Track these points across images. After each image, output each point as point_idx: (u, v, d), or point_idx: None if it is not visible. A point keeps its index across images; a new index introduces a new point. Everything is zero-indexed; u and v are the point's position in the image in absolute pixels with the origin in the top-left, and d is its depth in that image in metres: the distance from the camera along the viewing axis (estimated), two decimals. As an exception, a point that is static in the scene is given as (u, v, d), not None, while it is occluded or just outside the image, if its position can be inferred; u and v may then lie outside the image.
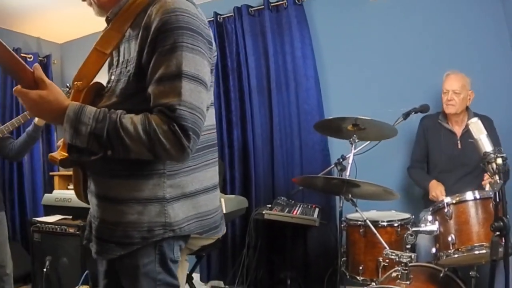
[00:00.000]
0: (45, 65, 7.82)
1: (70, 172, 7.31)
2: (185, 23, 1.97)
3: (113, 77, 2.29)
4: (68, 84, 4.77)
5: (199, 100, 1.96)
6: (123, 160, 2.05)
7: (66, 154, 2.24)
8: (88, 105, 2.00)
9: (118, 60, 2.28)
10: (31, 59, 7.40)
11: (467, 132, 4.33)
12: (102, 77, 2.30)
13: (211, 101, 2.31)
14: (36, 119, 4.57)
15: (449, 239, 3.42)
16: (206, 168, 2.30)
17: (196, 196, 2.22)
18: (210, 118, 2.28)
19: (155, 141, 1.86)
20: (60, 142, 2.36)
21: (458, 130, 4.55)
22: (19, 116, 4.62)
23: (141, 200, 2.10)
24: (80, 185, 2.40)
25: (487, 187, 3.85)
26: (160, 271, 2.18)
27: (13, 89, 1.99)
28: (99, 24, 6.80)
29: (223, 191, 5.85)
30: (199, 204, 2.23)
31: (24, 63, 1.93)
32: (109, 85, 2.25)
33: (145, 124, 1.87)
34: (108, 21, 2.33)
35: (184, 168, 2.17)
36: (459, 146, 4.52)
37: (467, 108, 4.57)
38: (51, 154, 2.37)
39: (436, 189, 4.51)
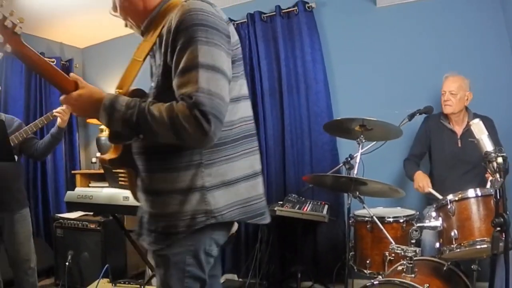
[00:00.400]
0: (67, 69, 7.80)
1: (90, 171, 7.36)
2: (199, 20, 2.04)
3: (152, 84, 2.38)
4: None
5: (218, 87, 1.99)
6: (162, 154, 2.20)
7: (116, 155, 2.36)
8: (122, 96, 2.12)
9: (155, 67, 2.36)
10: (54, 63, 7.30)
11: (467, 132, 4.44)
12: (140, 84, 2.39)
13: (246, 94, 2.40)
14: (59, 120, 4.60)
15: (452, 234, 3.41)
16: (245, 157, 2.31)
17: (237, 183, 2.24)
18: (246, 110, 2.37)
19: (179, 126, 1.91)
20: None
21: (458, 129, 4.58)
22: (42, 117, 4.64)
23: (182, 190, 2.16)
24: (134, 185, 2.50)
25: (489, 183, 3.86)
26: (191, 263, 2.21)
27: (60, 99, 2.14)
28: (118, 30, 6.88)
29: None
30: (240, 192, 2.25)
31: (63, 73, 2.09)
32: (150, 91, 2.34)
33: (169, 111, 1.94)
34: (142, 34, 2.45)
35: (221, 158, 2.21)
36: (459, 145, 4.54)
37: (466, 109, 4.57)
38: (101, 156, 2.65)
39: (423, 181, 4.58)
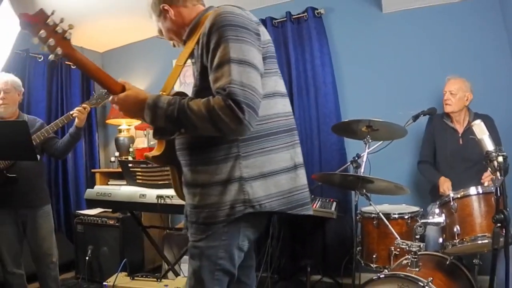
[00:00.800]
0: None
1: (109, 169, 7.39)
2: (229, 21, 2.15)
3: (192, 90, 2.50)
4: None
5: (250, 79, 2.06)
6: (201, 149, 2.32)
7: (159, 153, 2.49)
8: (164, 95, 2.27)
9: (195, 72, 2.47)
10: (75, 67, 7.42)
11: (468, 130, 4.46)
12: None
13: (281, 91, 2.46)
14: (77, 120, 4.62)
15: (455, 230, 3.48)
16: (283, 150, 2.35)
17: (276, 175, 2.28)
18: (284, 106, 2.44)
19: (216, 117, 2.00)
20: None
21: (460, 128, 4.60)
22: (62, 117, 4.64)
23: (222, 181, 2.24)
24: (177, 182, 2.64)
25: (486, 184, 3.87)
26: (223, 257, 2.29)
27: (109, 100, 2.38)
28: (136, 35, 6.90)
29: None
30: (281, 183, 2.28)
31: (110, 76, 2.25)
32: (194, 88, 2.45)
33: (206, 104, 2.04)
34: (184, 43, 2.63)
35: (257, 150, 2.27)
36: (461, 142, 4.56)
37: (468, 109, 4.58)
38: (146, 153, 2.62)
39: (444, 185, 4.51)
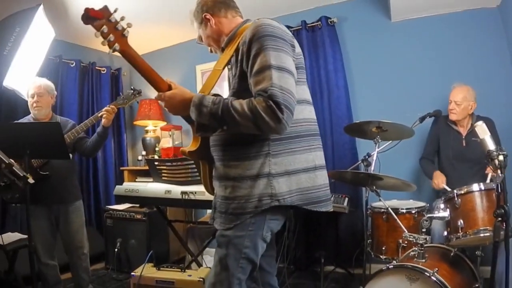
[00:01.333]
0: (116, 77, 7.99)
1: (137, 167, 7.44)
2: (268, 32, 2.24)
3: (230, 88, 2.62)
4: (132, 87, 4.84)
5: (287, 84, 2.14)
6: (236, 146, 2.40)
7: (194, 148, 2.59)
8: (208, 95, 2.32)
9: (232, 77, 2.57)
10: (105, 72, 7.64)
11: (471, 132, 4.48)
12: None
13: (308, 99, 2.54)
14: (104, 120, 4.60)
15: (458, 224, 3.50)
16: (307, 152, 2.41)
17: (298, 174, 2.34)
18: (310, 113, 2.52)
19: (257, 115, 2.08)
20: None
21: (463, 130, 4.61)
22: (91, 117, 4.67)
23: (252, 176, 2.32)
24: (207, 177, 2.73)
25: (489, 177, 3.90)
26: (248, 246, 2.35)
27: (155, 97, 2.43)
28: (162, 42, 6.92)
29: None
30: (301, 181, 2.34)
31: (159, 75, 2.32)
32: (232, 90, 2.53)
33: (249, 104, 2.12)
34: (222, 50, 2.71)
35: (286, 150, 2.34)
36: (464, 144, 4.57)
37: (471, 114, 4.59)
38: (182, 148, 2.79)
39: (438, 179, 4.62)
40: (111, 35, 2.07)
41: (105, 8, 2.07)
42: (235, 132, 2.33)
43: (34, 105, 4.57)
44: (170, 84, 2.34)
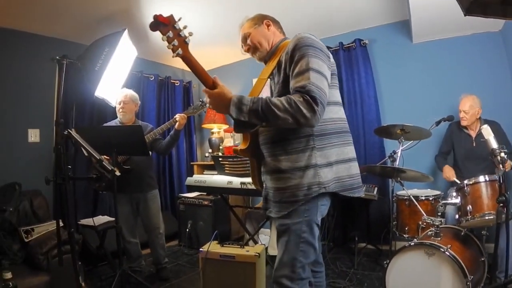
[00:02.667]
0: (188, 88, 8.16)
1: (204, 162, 7.71)
2: (309, 43, 2.23)
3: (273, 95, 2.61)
4: (200, 99, 4.92)
5: (322, 84, 2.12)
6: (284, 142, 2.34)
7: (245, 147, 2.53)
8: (247, 96, 2.24)
9: (274, 85, 2.57)
10: (178, 84, 7.83)
11: (479, 135, 4.47)
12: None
13: (340, 102, 2.48)
14: (177, 124, 4.66)
15: (468, 208, 3.62)
16: (343, 146, 2.38)
17: (336, 164, 2.30)
18: (342, 113, 2.47)
19: (295, 108, 2.05)
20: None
21: (473, 133, 4.62)
22: (166, 123, 4.71)
23: (301, 168, 2.27)
24: (255, 173, 2.69)
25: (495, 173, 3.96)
26: (306, 231, 2.29)
27: (202, 90, 2.32)
28: (222, 59, 6.95)
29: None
30: (338, 171, 2.30)
31: (207, 73, 2.23)
32: (277, 94, 2.47)
33: (287, 99, 2.09)
34: (265, 62, 2.69)
35: (328, 144, 2.31)
36: (474, 144, 4.58)
37: (479, 119, 4.61)
38: (234, 148, 2.78)
39: (448, 172, 4.69)
40: (175, 40, 2.06)
41: (171, 16, 2.07)
42: (275, 127, 2.35)
43: (121, 110, 4.76)
44: (213, 80, 2.25)
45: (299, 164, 2.28)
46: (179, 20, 2.09)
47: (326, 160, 2.29)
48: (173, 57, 2.12)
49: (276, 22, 2.76)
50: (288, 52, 2.30)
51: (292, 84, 2.20)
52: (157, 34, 2.05)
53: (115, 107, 4.86)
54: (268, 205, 2.53)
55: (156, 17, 2.02)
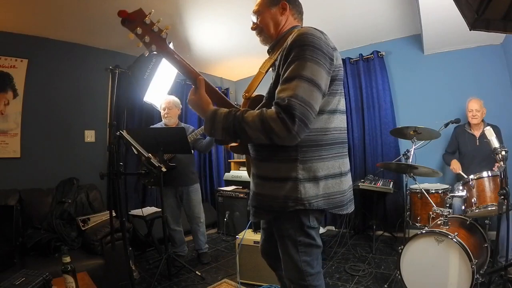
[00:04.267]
0: (225, 94, 7.94)
1: (240, 160, 7.70)
2: (308, 41, 1.78)
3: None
4: (235, 103, 4.93)
5: (311, 97, 1.70)
6: (268, 148, 1.96)
7: (236, 145, 2.23)
8: (222, 108, 1.90)
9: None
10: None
11: (482, 135, 4.47)
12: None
13: (342, 109, 2.04)
14: None
15: (473, 200, 3.65)
16: (335, 159, 1.98)
17: (325, 179, 1.91)
18: (341, 122, 2.04)
19: (267, 128, 1.70)
20: None
21: (477, 133, 4.62)
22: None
23: (280, 179, 1.91)
24: (249, 168, 2.42)
25: (496, 169, 3.93)
26: (300, 234, 1.97)
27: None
28: (251, 71, 6.87)
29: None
30: (328, 186, 1.92)
31: (194, 70, 1.97)
32: (267, 94, 2.08)
33: (261, 116, 1.72)
34: (268, 52, 2.23)
35: (315, 156, 1.91)
36: (477, 144, 4.58)
37: (482, 120, 4.61)
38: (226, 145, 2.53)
39: (455, 165, 4.73)
40: (146, 37, 1.83)
41: (140, 10, 1.82)
42: (250, 143, 2.09)
43: (165, 115, 4.81)
44: (197, 77, 1.97)
45: (279, 174, 1.93)
46: (150, 13, 1.86)
47: (312, 174, 1.90)
48: (146, 55, 1.91)
49: (295, 6, 2.23)
50: (286, 48, 1.86)
51: (277, 90, 1.78)
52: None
53: (161, 112, 4.89)
54: (250, 207, 2.19)
55: (119, 13, 1.77)
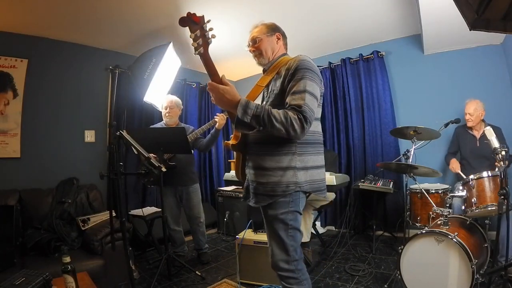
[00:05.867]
0: None
1: (242, 160, 7.58)
2: (309, 67, 2.31)
3: (264, 102, 2.60)
4: None
5: (313, 106, 2.22)
6: (271, 145, 2.37)
7: (235, 143, 2.57)
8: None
9: (268, 92, 2.58)
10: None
11: (483, 136, 4.49)
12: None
13: (319, 117, 2.53)
14: (217, 124, 4.73)
15: (473, 200, 3.62)
16: (317, 155, 2.48)
17: (311, 169, 2.40)
18: (320, 127, 2.56)
19: (289, 123, 2.13)
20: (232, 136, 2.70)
21: (477, 134, 4.65)
22: (206, 124, 4.76)
23: (282, 168, 2.34)
24: (239, 165, 2.70)
25: (497, 169, 3.92)
26: (292, 219, 2.37)
27: (208, 82, 2.26)
28: (256, 70, 6.91)
29: (336, 171, 5.98)
30: (312, 175, 2.41)
31: (215, 69, 2.19)
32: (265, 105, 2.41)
33: (284, 113, 2.15)
34: (264, 71, 2.68)
35: (307, 152, 2.40)
36: (478, 144, 4.60)
37: (483, 121, 4.62)
38: (226, 141, 2.79)
39: (454, 164, 4.78)
40: (200, 40, 2.06)
41: (203, 17, 2.07)
42: (268, 133, 2.27)
43: (167, 115, 4.81)
44: (221, 78, 2.22)
45: (281, 164, 2.35)
46: (208, 22, 2.10)
47: (304, 165, 2.37)
48: (194, 54, 2.11)
49: (284, 38, 2.77)
50: (291, 68, 2.34)
51: (289, 99, 2.26)
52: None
53: (161, 111, 4.91)
54: (249, 195, 2.55)
55: (189, 14, 2.03)
